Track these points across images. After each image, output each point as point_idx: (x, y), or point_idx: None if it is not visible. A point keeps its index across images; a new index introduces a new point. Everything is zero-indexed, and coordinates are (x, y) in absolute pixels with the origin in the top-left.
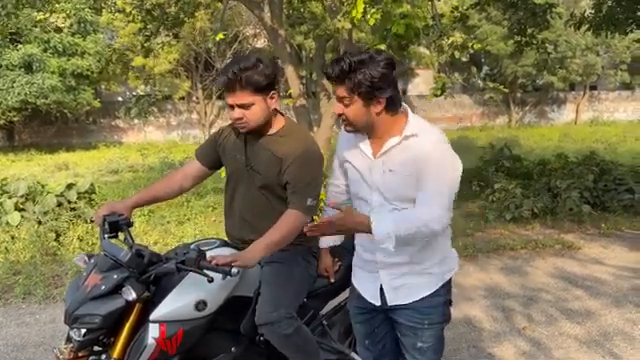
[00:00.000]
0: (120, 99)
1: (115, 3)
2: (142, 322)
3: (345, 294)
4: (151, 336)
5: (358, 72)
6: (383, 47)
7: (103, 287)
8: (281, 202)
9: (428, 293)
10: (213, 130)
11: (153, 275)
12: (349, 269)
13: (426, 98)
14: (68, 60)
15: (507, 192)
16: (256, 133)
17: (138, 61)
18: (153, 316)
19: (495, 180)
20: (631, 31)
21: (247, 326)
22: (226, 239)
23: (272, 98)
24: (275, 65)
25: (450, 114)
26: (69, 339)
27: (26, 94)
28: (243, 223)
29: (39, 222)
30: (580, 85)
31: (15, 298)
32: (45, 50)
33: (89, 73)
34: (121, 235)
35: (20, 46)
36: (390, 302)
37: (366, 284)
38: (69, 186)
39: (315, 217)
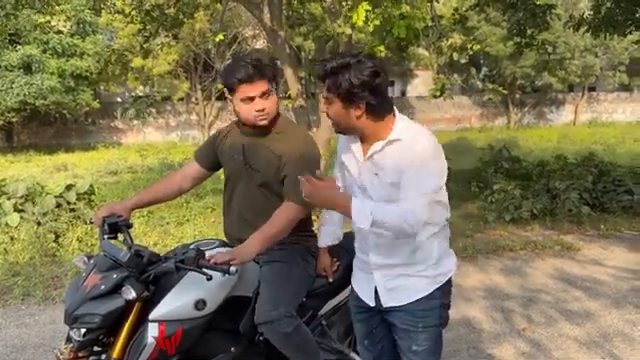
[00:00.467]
0: (119, 100)
1: (114, 4)
2: (142, 322)
3: (344, 294)
4: (150, 335)
5: (340, 74)
6: (382, 48)
7: (103, 287)
8: (280, 200)
9: (423, 295)
10: (212, 131)
11: (152, 275)
12: (348, 269)
13: (425, 99)
14: (67, 61)
15: (506, 193)
16: (255, 132)
17: (137, 62)
18: (152, 315)
19: (494, 181)
20: (630, 32)
21: (246, 326)
22: (225, 239)
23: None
24: (274, 66)
25: (449, 115)
26: (69, 339)
27: (25, 95)
28: (242, 222)
29: (38, 223)
30: (579, 86)
31: (14, 299)
32: (44, 51)
33: (88, 74)
34: (120, 236)
35: (19, 47)
36: (384, 304)
37: (362, 285)
38: (68, 187)
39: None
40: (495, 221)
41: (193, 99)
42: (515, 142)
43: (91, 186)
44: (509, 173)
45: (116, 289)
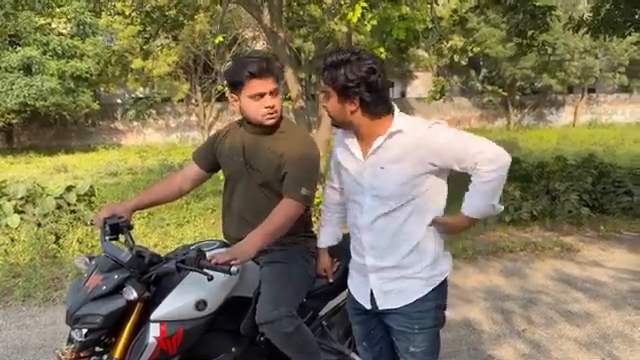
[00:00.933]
0: (119, 101)
1: (114, 6)
2: (143, 322)
3: (344, 295)
4: (152, 335)
5: (338, 68)
6: (382, 50)
7: (104, 287)
8: (280, 200)
9: (418, 297)
10: (212, 132)
11: (154, 275)
12: (348, 270)
13: (425, 101)
14: (67, 62)
15: (506, 194)
16: (259, 131)
17: (137, 63)
18: (154, 316)
19: None
20: (629, 34)
21: (247, 326)
22: (225, 241)
23: None
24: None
25: (449, 117)
26: (71, 340)
27: (25, 96)
28: (242, 222)
29: (39, 224)
30: (578, 88)
31: (15, 301)
32: (44, 52)
33: (88, 75)
34: (121, 237)
35: (19, 48)
36: (380, 306)
37: (358, 287)
38: (68, 188)
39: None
40: (495, 222)
41: (193, 100)
42: (515, 143)
43: (91, 187)
44: (509, 174)
45: (117, 290)
